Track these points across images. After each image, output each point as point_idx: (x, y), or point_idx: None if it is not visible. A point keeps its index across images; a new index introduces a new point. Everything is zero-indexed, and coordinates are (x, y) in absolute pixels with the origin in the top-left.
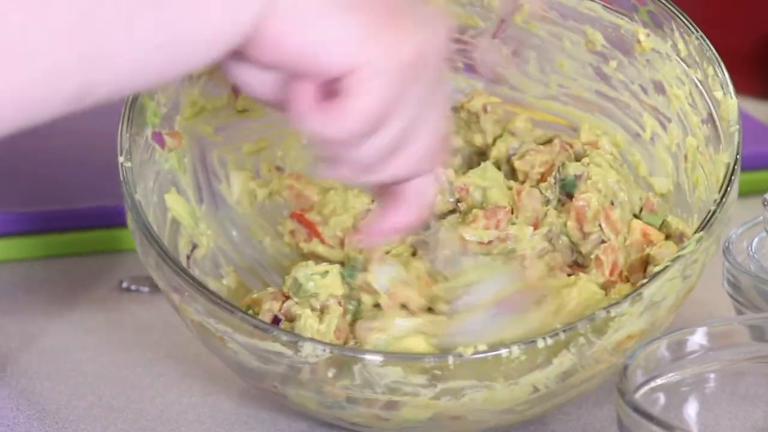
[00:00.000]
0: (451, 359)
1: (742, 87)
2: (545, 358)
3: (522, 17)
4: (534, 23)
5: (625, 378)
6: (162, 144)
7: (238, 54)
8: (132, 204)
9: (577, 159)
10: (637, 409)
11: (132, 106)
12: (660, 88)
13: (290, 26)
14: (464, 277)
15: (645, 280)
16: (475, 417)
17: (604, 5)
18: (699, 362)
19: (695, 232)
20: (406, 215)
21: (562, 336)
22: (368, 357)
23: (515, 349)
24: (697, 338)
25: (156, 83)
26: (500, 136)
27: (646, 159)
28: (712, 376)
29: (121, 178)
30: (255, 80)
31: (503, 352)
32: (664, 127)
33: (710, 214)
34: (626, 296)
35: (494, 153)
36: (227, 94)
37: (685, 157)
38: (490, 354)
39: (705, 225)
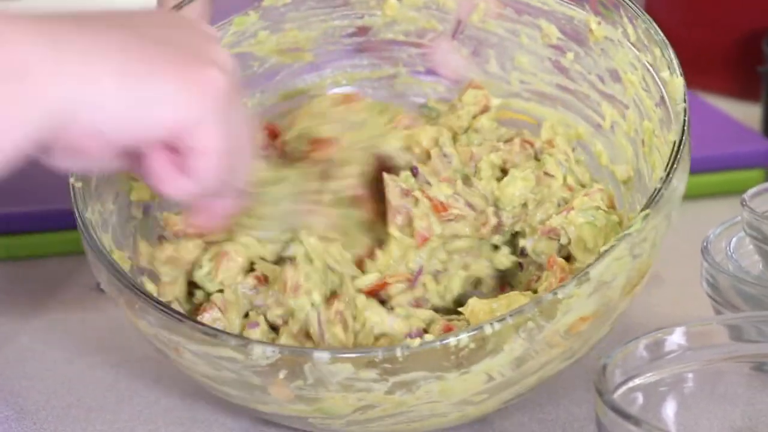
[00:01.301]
0: (399, 351)
1: (722, 87)
2: (495, 345)
3: (478, 16)
4: (490, 22)
5: (604, 378)
6: None
7: (57, 148)
8: (82, 223)
9: (537, 158)
10: (616, 409)
11: None
12: (615, 76)
13: (99, 113)
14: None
15: (592, 261)
16: (433, 411)
17: None
18: (677, 362)
19: (642, 210)
20: (231, 204)
21: (510, 321)
22: (317, 355)
23: (463, 337)
24: (676, 338)
25: None
26: (465, 131)
27: (608, 148)
28: (691, 375)
29: (72, 197)
30: (93, 165)
31: (451, 340)
32: (622, 115)
33: (656, 191)
34: (573, 278)
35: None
36: None
37: (643, 141)
38: (438, 343)
39: (651, 203)
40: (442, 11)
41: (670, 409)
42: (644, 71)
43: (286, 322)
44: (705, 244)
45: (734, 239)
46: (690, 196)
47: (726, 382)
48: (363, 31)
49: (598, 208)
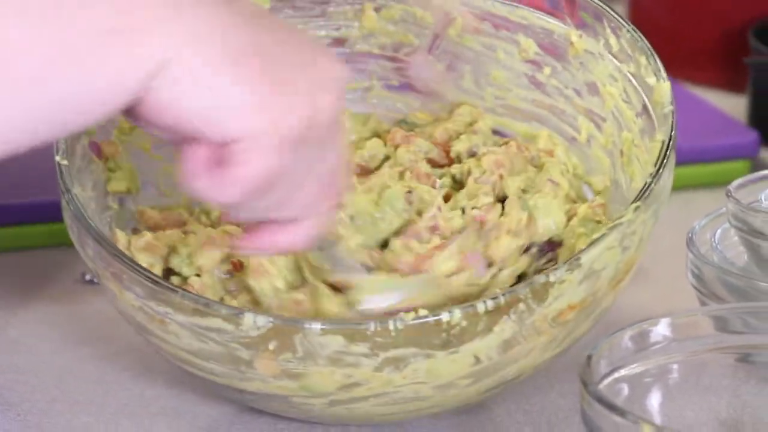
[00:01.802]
0: (391, 324)
1: (708, 78)
2: (486, 325)
3: (456, 31)
4: (467, 36)
5: (589, 368)
6: (98, 154)
7: (132, 111)
8: (69, 197)
9: (533, 164)
10: (601, 400)
11: None
12: (594, 89)
13: (182, 92)
14: (369, 286)
15: (583, 248)
16: (417, 393)
17: (535, 11)
18: (663, 353)
19: (632, 203)
20: (291, 236)
21: (502, 300)
22: (308, 326)
23: (456, 313)
24: (661, 329)
25: (31, 142)
26: (462, 133)
27: (583, 161)
28: (676, 366)
29: (58, 174)
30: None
31: (444, 316)
32: (599, 128)
33: (646, 186)
34: (564, 262)
35: (456, 147)
36: None
37: (621, 152)
38: (431, 319)
39: (641, 196)
40: (419, 25)
41: (655, 400)
42: (625, 82)
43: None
44: (690, 235)
45: (719, 230)
46: (676, 187)
47: (711, 373)
48: (339, 42)
49: (599, 221)
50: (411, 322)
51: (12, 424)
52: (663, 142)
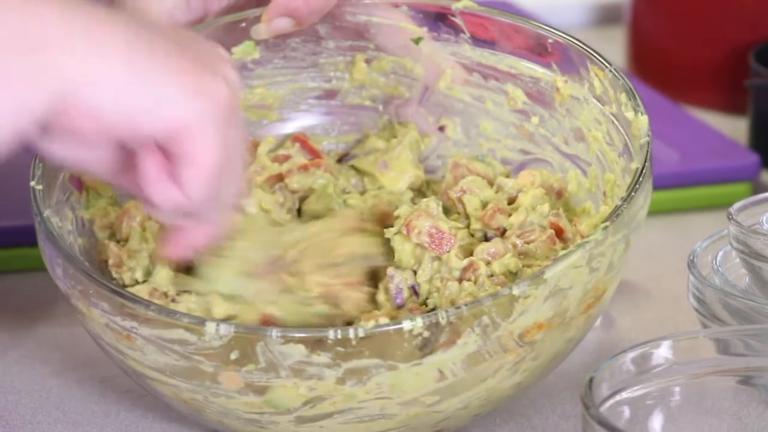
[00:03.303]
0: (352, 333)
1: (709, 101)
2: (449, 337)
3: (445, 83)
4: (457, 88)
5: (590, 391)
6: (79, 188)
7: (56, 130)
8: (41, 219)
9: (510, 202)
10: (602, 423)
11: None
12: (579, 135)
13: (103, 93)
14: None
15: (549, 263)
16: (383, 410)
17: (522, 59)
18: (664, 375)
19: (602, 223)
20: (204, 235)
21: (465, 311)
22: (269, 333)
23: (418, 322)
24: (663, 351)
25: None
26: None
27: (567, 206)
28: (678, 389)
29: (32, 198)
30: (87, 157)
31: (406, 325)
32: (584, 173)
33: (617, 208)
34: (530, 276)
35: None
36: None
37: (605, 193)
38: (392, 327)
39: (611, 217)
40: (409, 77)
41: (656, 423)
42: (608, 124)
43: None
44: (691, 257)
45: (721, 253)
46: (677, 209)
47: (712, 395)
48: (331, 94)
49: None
50: (371, 330)
51: None
52: (637, 169)
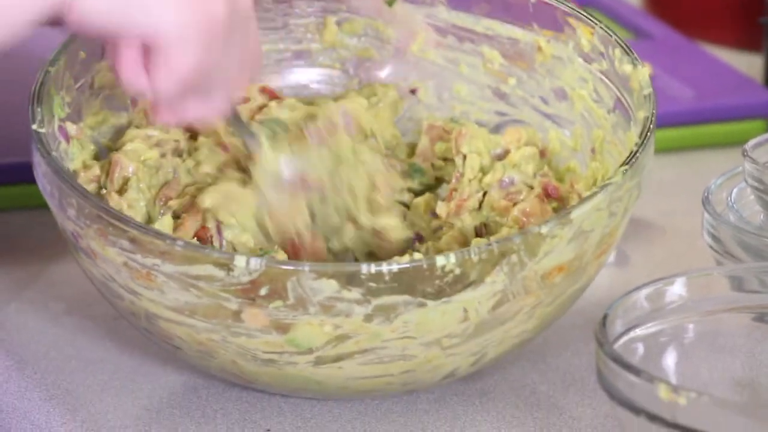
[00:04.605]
0: (385, 267)
1: (724, 38)
2: (479, 275)
3: (418, 46)
4: (430, 51)
5: (604, 328)
6: (66, 138)
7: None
8: (50, 160)
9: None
10: (616, 359)
11: (39, 92)
12: (561, 95)
13: (95, 2)
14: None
15: (574, 204)
16: (404, 350)
17: (501, 21)
18: (678, 312)
19: (620, 166)
20: (203, 111)
21: (495, 249)
22: (303, 268)
23: (451, 258)
24: (677, 288)
25: None
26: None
27: (551, 164)
28: (691, 326)
29: (36, 141)
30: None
31: (439, 260)
32: (567, 132)
33: (632, 153)
34: (555, 216)
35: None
36: (127, 115)
37: (593, 149)
38: (425, 262)
39: (629, 161)
40: (381, 39)
41: (670, 360)
42: (596, 82)
43: None
44: (706, 194)
45: (735, 190)
46: (692, 146)
47: (726, 332)
48: (300, 56)
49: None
50: (405, 266)
51: (29, 381)
52: (646, 117)
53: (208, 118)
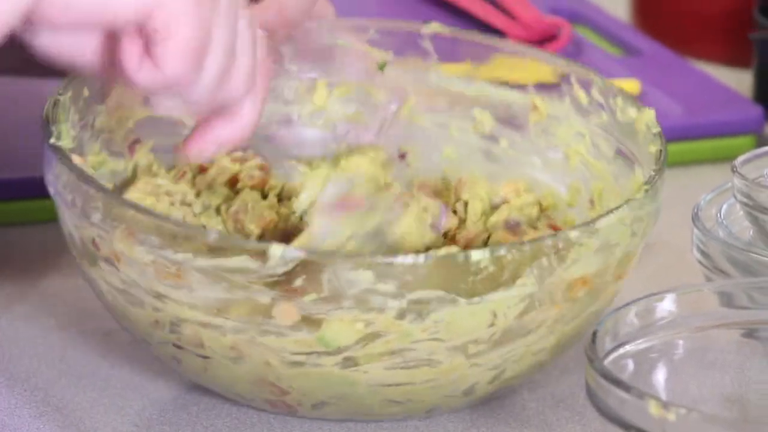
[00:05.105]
0: (422, 258)
1: (713, 54)
2: (510, 276)
3: (408, 110)
4: (420, 115)
5: (594, 344)
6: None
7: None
8: (72, 166)
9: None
10: (606, 376)
11: (53, 112)
12: (556, 153)
13: None
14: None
15: (599, 216)
16: (431, 353)
17: (493, 84)
18: (668, 328)
19: (642, 186)
20: (232, 130)
21: (527, 249)
22: (340, 259)
23: (486, 253)
24: (666, 304)
25: None
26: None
27: (551, 216)
28: (681, 342)
29: (56, 152)
30: (76, 47)
31: (474, 253)
32: (563, 189)
33: (652, 177)
34: (582, 223)
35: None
36: (124, 161)
37: (591, 201)
38: (461, 255)
39: (649, 182)
40: (371, 104)
41: (660, 376)
42: (593, 136)
43: None
44: (695, 210)
45: (725, 206)
46: (681, 162)
47: (716, 349)
48: (289, 118)
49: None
50: (441, 256)
51: (18, 398)
52: (659, 150)
53: (240, 137)
